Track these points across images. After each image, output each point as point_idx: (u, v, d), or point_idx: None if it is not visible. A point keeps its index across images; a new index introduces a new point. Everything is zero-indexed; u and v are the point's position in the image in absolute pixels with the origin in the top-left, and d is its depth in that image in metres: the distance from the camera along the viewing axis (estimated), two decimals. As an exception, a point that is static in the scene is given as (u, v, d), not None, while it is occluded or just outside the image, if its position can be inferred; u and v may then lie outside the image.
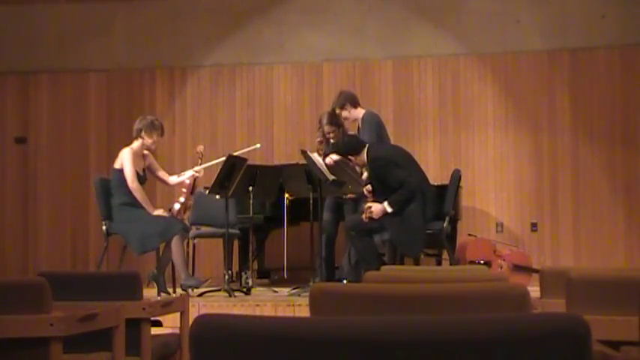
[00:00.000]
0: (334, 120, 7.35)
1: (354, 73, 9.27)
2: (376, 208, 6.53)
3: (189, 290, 6.83)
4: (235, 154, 7.06)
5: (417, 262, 7.42)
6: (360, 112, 7.41)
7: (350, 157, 6.77)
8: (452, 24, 9.14)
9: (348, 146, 6.82)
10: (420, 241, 6.69)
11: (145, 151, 7.03)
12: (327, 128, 7.32)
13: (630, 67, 8.81)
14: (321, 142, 7.46)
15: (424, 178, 6.85)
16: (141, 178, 6.93)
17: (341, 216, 7.46)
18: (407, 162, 6.79)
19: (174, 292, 7.12)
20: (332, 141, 7.36)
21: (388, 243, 6.79)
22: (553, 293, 3.64)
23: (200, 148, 7.57)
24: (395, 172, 6.58)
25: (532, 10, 9.01)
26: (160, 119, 7.17)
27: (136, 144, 6.92)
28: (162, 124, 7.05)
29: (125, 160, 6.82)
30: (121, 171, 6.85)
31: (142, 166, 7.00)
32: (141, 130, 6.89)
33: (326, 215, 7.29)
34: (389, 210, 6.50)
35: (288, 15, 9.39)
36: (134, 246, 6.83)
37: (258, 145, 7.70)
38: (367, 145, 6.75)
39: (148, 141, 6.91)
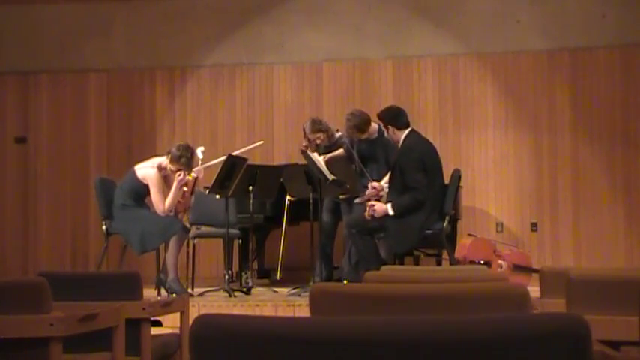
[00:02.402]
0: (317, 127, 7.50)
1: (354, 73, 9.27)
2: (379, 207, 6.49)
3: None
4: (239, 151, 7.07)
5: (417, 262, 7.41)
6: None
7: (388, 127, 6.68)
8: (452, 24, 9.13)
9: (393, 117, 6.69)
10: (411, 241, 6.63)
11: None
12: (311, 137, 7.42)
13: (630, 67, 8.81)
14: (306, 147, 7.47)
15: (441, 188, 6.69)
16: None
17: (340, 217, 7.47)
18: (433, 168, 6.59)
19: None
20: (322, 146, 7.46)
21: (382, 239, 6.75)
22: (553, 293, 3.64)
23: (201, 149, 7.54)
24: (416, 174, 6.45)
25: (532, 10, 9.01)
26: (191, 153, 7.01)
27: (164, 161, 6.95)
28: (190, 161, 6.95)
29: (153, 187, 6.87)
30: (144, 186, 6.89)
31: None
32: (170, 155, 6.90)
33: (325, 216, 7.29)
34: (390, 213, 6.45)
35: (288, 15, 9.39)
36: (134, 245, 6.87)
37: (261, 142, 7.72)
38: (411, 129, 6.67)
39: (169, 167, 6.94)
